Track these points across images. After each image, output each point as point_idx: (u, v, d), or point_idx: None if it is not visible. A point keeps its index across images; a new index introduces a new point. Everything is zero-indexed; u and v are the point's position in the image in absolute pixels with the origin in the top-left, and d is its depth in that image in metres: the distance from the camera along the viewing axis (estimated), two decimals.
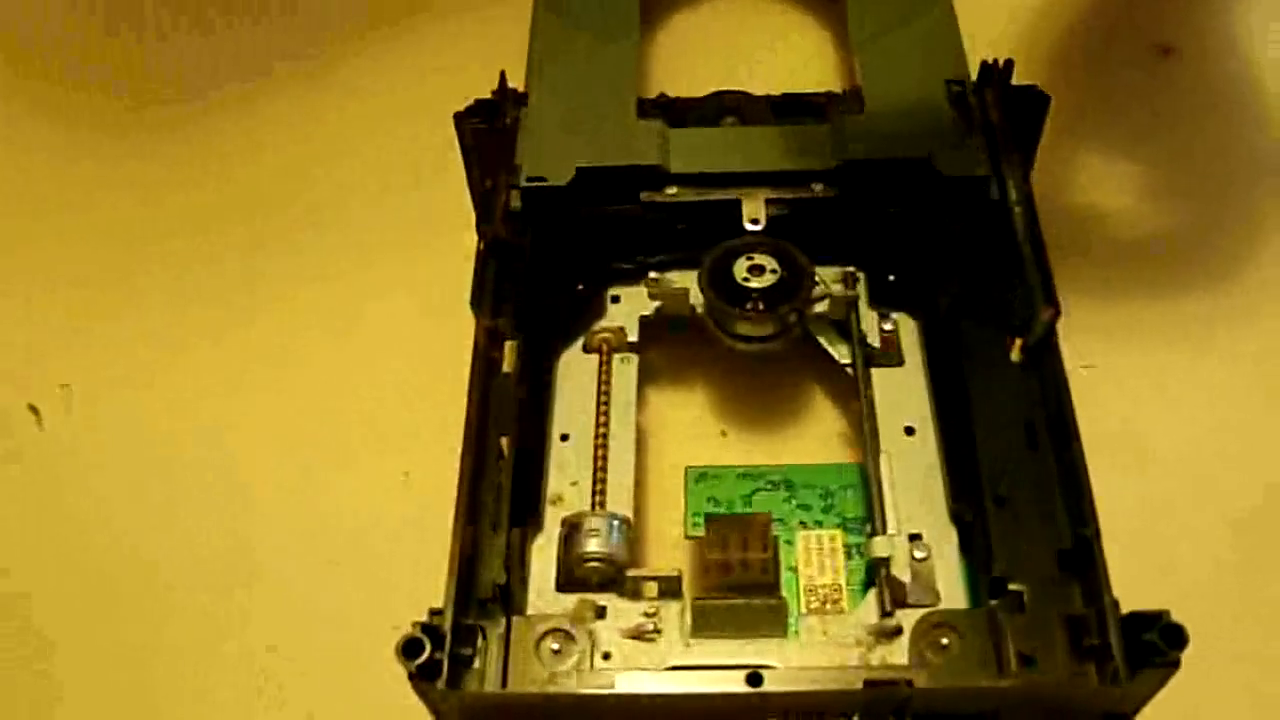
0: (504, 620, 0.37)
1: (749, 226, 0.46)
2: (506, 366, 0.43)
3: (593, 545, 0.40)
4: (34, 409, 0.51)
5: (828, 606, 0.40)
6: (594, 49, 0.51)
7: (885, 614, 0.38)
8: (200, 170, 0.58)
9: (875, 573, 0.39)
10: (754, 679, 0.35)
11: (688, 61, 0.59)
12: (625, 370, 0.46)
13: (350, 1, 0.64)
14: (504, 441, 0.40)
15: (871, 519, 0.42)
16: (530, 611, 0.39)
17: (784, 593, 0.40)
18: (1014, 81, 0.48)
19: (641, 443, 0.45)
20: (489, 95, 0.48)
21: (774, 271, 0.44)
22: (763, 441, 0.47)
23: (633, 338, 0.46)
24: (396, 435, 0.48)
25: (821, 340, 0.46)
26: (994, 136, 0.46)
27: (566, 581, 0.40)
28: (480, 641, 0.36)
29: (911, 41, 0.50)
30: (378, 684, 0.37)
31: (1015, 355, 0.43)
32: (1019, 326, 0.43)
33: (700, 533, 0.42)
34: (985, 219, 0.45)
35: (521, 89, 0.49)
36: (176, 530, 0.47)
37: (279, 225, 0.55)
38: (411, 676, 0.34)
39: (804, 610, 0.40)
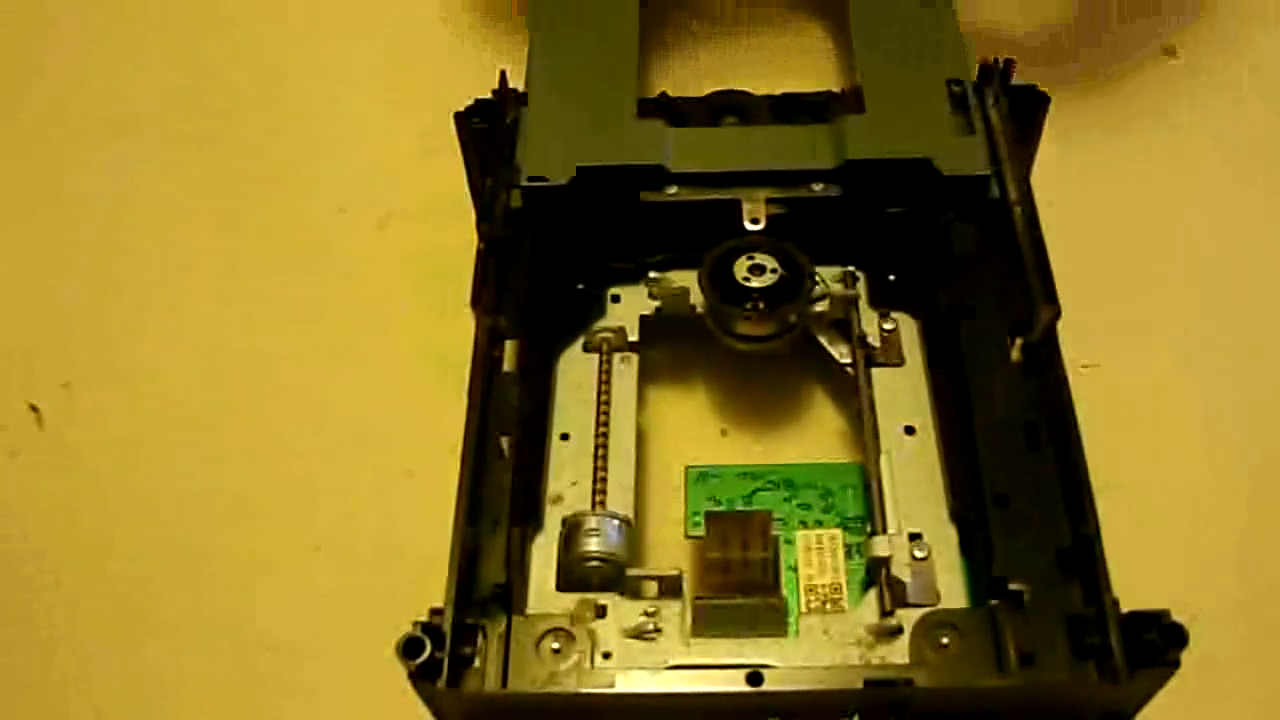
0: (504, 619, 0.37)
1: (749, 226, 0.45)
2: (507, 366, 0.43)
3: (593, 545, 0.40)
4: (34, 409, 0.51)
5: (828, 606, 0.40)
6: (594, 49, 0.51)
7: (885, 613, 0.38)
8: (205, 173, 0.58)
9: (875, 572, 0.39)
10: (754, 678, 0.35)
11: (688, 61, 0.59)
12: (625, 370, 0.46)
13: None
14: (504, 441, 0.40)
15: (871, 518, 0.42)
16: (530, 611, 0.39)
17: (784, 592, 0.40)
18: (1014, 81, 0.48)
19: (641, 442, 0.45)
20: (489, 95, 0.48)
21: (774, 271, 0.44)
22: (763, 441, 0.47)
23: (633, 337, 0.46)
24: (397, 434, 0.48)
25: (821, 340, 0.46)
26: (994, 136, 0.46)
27: (567, 581, 0.40)
28: (480, 641, 0.36)
29: (911, 41, 0.50)
30: (378, 683, 0.37)
31: (1015, 355, 0.43)
32: (1019, 326, 0.43)
33: (700, 532, 0.42)
34: (985, 219, 0.45)
35: (521, 89, 0.49)
36: (176, 530, 0.47)
37: (280, 225, 0.55)
38: (412, 676, 0.34)
39: (804, 609, 0.40)
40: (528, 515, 0.41)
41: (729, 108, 0.50)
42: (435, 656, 0.34)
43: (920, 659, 0.36)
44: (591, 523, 0.41)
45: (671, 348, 0.49)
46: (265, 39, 0.63)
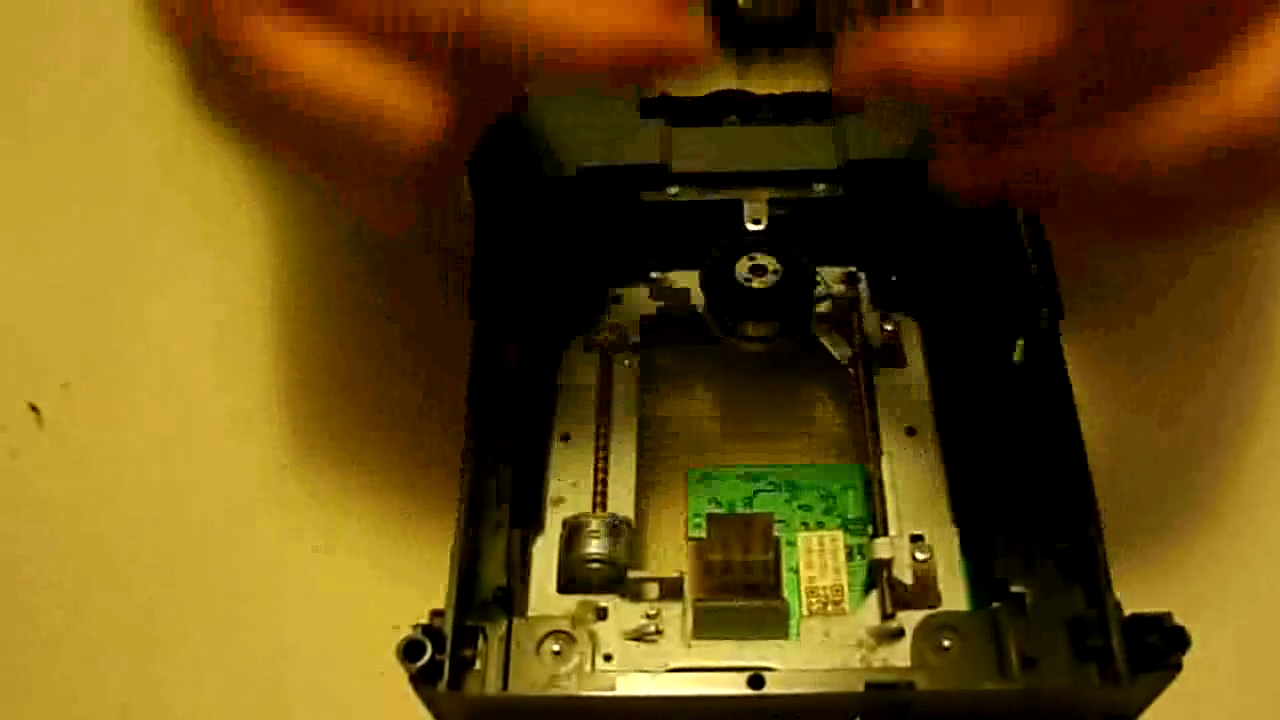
0: (505, 622, 0.37)
1: (750, 226, 0.45)
2: (506, 366, 0.43)
3: (594, 547, 0.40)
4: (34, 409, 0.50)
5: (829, 608, 0.40)
6: None
7: (887, 616, 0.38)
8: (209, 172, 0.58)
9: (877, 574, 0.39)
10: (755, 681, 0.35)
11: None
12: (626, 370, 0.46)
13: None
14: (504, 442, 0.40)
15: (873, 520, 0.42)
16: (531, 613, 0.39)
17: (785, 594, 0.40)
18: None
19: (642, 443, 0.45)
20: None
21: (775, 272, 0.44)
22: (763, 442, 0.47)
23: (634, 338, 0.46)
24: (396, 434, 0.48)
25: (822, 341, 0.46)
26: None
27: (567, 583, 0.40)
28: (481, 643, 0.36)
29: None
30: (378, 686, 0.37)
31: (1017, 355, 0.43)
32: (1019, 326, 0.42)
33: (701, 534, 0.42)
34: (986, 219, 0.45)
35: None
36: (176, 530, 0.47)
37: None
38: (412, 678, 0.34)
39: (805, 612, 0.40)
40: (528, 517, 0.41)
41: (730, 108, 0.50)
42: (436, 659, 0.34)
43: (921, 662, 0.36)
44: (592, 524, 0.40)
45: (672, 348, 0.48)
46: None
